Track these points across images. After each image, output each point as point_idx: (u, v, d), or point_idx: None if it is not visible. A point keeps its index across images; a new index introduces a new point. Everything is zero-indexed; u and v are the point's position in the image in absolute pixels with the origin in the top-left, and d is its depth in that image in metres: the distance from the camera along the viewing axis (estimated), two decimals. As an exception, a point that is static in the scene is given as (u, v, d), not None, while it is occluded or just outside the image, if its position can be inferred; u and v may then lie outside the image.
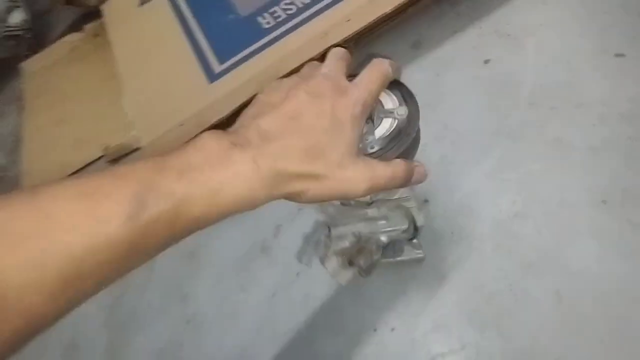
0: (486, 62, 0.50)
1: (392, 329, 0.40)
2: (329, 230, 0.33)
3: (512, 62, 0.49)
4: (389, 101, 0.28)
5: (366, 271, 0.36)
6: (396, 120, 0.27)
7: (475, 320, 0.38)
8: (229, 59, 0.51)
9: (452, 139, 0.47)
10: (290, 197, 0.22)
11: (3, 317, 0.15)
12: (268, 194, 0.21)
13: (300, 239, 0.45)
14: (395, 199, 0.34)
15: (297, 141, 0.21)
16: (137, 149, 0.51)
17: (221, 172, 0.20)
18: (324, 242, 0.33)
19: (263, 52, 0.51)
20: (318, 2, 0.51)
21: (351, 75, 0.27)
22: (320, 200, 0.22)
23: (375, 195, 0.33)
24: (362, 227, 0.35)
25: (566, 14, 0.50)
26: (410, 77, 0.30)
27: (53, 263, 0.16)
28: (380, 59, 0.26)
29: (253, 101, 0.25)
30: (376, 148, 0.26)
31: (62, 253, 0.16)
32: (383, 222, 0.35)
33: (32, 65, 0.69)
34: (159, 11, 0.60)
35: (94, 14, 0.69)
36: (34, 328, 0.17)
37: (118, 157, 0.52)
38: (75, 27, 0.71)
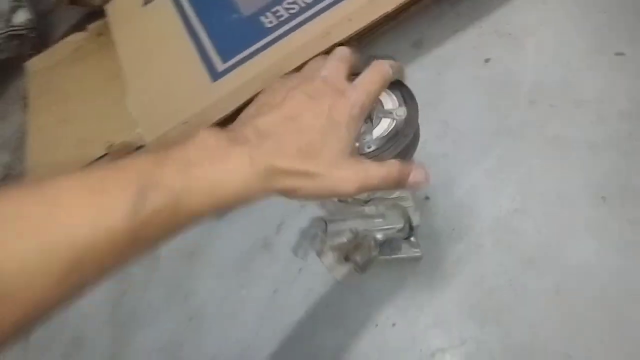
0: (486, 61, 0.51)
1: (393, 324, 0.41)
2: (326, 226, 0.34)
3: (512, 61, 0.50)
4: (389, 101, 0.29)
5: (362, 267, 0.37)
6: (394, 121, 0.27)
7: (476, 316, 0.39)
8: (231, 57, 0.52)
9: (453, 137, 0.47)
10: (284, 193, 0.22)
11: (13, 301, 0.16)
12: (263, 189, 0.21)
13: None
14: (393, 198, 0.34)
15: (292, 140, 0.22)
16: (140, 147, 0.51)
17: (219, 167, 0.20)
18: (320, 237, 0.34)
19: (265, 51, 0.51)
20: (320, 2, 0.52)
21: (355, 74, 0.27)
22: (312, 198, 0.23)
23: (373, 194, 0.33)
24: (358, 224, 0.35)
25: (565, 13, 0.51)
26: (412, 76, 0.30)
27: (59, 251, 0.17)
28: (381, 60, 0.27)
29: (254, 101, 0.26)
30: (373, 148, 0.27)
31: (67, 242, 0.17)
32: (379, 220, 0.35)
33: (36, 65, 0.69)
34: (162, 11, 0.61)
35: (97, 13, 0.70)
36: (41, 312, 0.17)
37: (122, 155, 0.53)
38: (79, 26, 0.72)
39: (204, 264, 0.50)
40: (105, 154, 0.53)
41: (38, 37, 0.76)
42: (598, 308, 0.36)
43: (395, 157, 0.26)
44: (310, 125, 0.23)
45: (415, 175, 0.25)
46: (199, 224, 0.21)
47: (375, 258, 0.37)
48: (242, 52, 0.52)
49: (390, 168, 0.24)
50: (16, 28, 0.73)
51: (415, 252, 0.40)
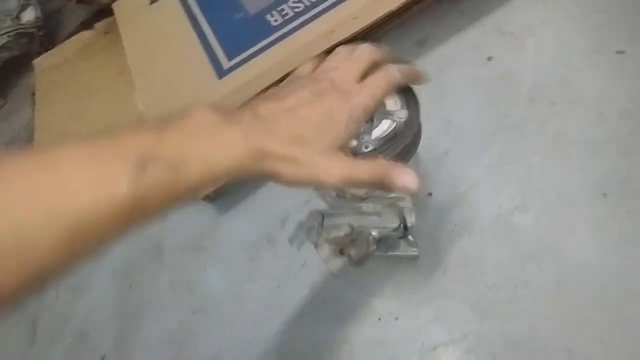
0: (489, 59, 0.51)
1: (396, 318, 0.41)
2: (323, 219, 0.35)
3: (514, 59, 0.50)
4: (391, 103, 0.29)
5: (356, 262, 0.37)
6: (394, 123, 0.28)
7: (477, 311, 0.39)
8: (237, 55, 0.53)
9: (455, 134, 0.48)
10: (270, 176, 0.23)
11: (20, 264, 0.17)
12: (252, 169, 0.22)
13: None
14: (391, 197, 0.34)
15: (285, 127, 0.23)
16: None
17: (214, 142, 0.21)
18: (317, 229, 0.34)
19: (271, 49, 0.52)
20: (325, 0, 0.52)
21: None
22: (296, 185, 0.23)
23: (371, 191, 0.33)
24: (354, 220, 0.35)
25: (566, 13, 0.51)
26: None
27: (62, 217, 0.17)
28: (391, 65, 0.27)
29: (264, 94, 0.27)
30: (370, 148, 0.27)
31: (71, 208, 0.17)
32: (375, 217, 0.36)
33: (44, 62, 0.70)
34: (168, 9, 0.62)
35: (105, 12, 0.71)
36: (43, 277, 0.18)
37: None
38: (87, 25, 0.73)
39: (208, 258, 0.51)
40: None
41: (46, 35, 0.77)
42: (598, 305, 0.36)
43: (393, 158, 0.26)
44: (307, 117, 0.24)
45: (403, 179, 0.24)
46: (195, 197, 0.22)
47: (372, 254, 0.38)
48: (247, 50, 0.53)
49: (376, 166, 0.24)
50: (24, 26, 0.74)
51: (413, 251, 0.41)
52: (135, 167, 0.18)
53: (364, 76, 0.26)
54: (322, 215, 0.34)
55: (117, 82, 0.63)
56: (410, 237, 0.40)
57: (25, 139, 0.70)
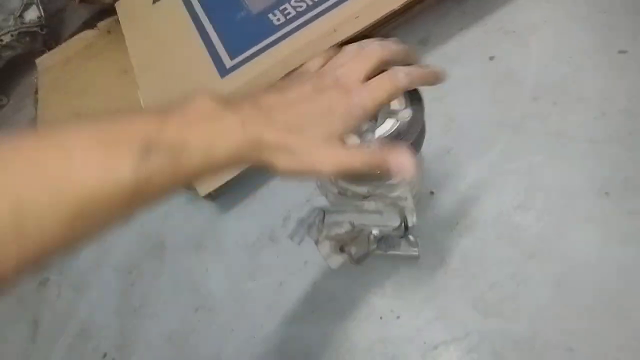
0: (491, 58, 0.51)
1: (397, 317, 0.41)
2: (324, 215, 0.35)
3: (516, 58, 0.50)
4: (395, 102, 0.29)
5: (356, 260, 0.37)
6: (398, 122, 0.28)
7: (479, 309, 0.39)
8: (240, 54, 0.53)
9: (458, 132, 0.48)
10: (266, 165, 0.23)
11: (23, 241, 0.17)
12: (249, 158, 0.23)
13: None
14: (393, 196, 0.34)
15: (283, 117, 0.23)
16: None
17: (215, 130, 0.21)
18: (317, 225, 0.34)
19: (273, 48, 0.52)
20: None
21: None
22: (291, 173, 0.24)
23: (374, 190, 0.33)
24: (355, 218, 0.35)
25: (569, 11, 0.51)
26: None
27: (67, 197, 0.17)
28: (399, 68, 0.26)
29: (269, 87, 0.27)
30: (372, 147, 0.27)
31: (76, 189, 0.18)
32: (376, 216, 0.36)
33: (47, 61, 0.71)
34: (171, 8, 0.62)
35: (107, 11, 0.71)
36: (48, 254, 0.18)
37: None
38: (89, 24, 0.73)
39: (210, 256, 0.51)
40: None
41: (49, 34, 0.77)
42: (600, 304, 0.36)
43: None
44: (305, 111, 0.24)
45: (398, 162, 0.24)
46: (194, 182, 0.22)
47: (372, 252, 0.38)
48: (250, 49, 0.53)
49: (371, 152, 0.25)
50: (27, 25, 0.74)
51: (413, 251, 0.41)
52: (139, 152, 0.19)
53: (372, 75, 0.26)
54: (324, 212, 0.34)
55: (120, 81, 0.63)
56: (410, 237, 0.40)
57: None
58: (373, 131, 0.28)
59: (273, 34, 0.53)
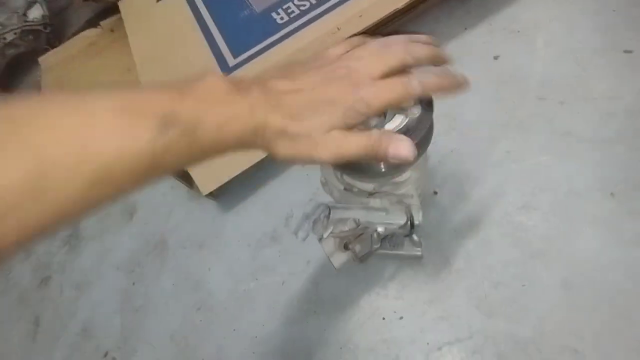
0: (496, 57, 0.51)
1: (401, 318, 0.41)
2: (329, 212, 0.34)
3: (521, 57, 0.50)
4: None
5: (360, 258, 0.37)
6: (407, 119, 0.28)
7: (483, 309, 0.39)
8: (243, 52, 0.53)
9: (462, 131, 0.47)
10: (268, 148, 0.24)
11: (43, 203, 0.17)
12: (254, 140, 0.23)
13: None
14: (399, 194, 0.34)
15: (287, 103, 0.24)
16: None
17: (226, 113, 0.22)
18: (323, 222, 0.34)
19: (276, 46, 0.52)
20: (331, -2, 0.52)
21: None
22: (290, 159, 0.24)
23: (380, 187, 0.33)
24: (361, 215, 0.35)
25: (574, 10, 0.51)
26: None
27: (87, 162, 0.18)
28: (416, 74, 0.26)
29: (284, 64, 0.27)
30: None
31: (98, 154, 0.18)
32: (382, 214, 0.35)
33: (50, 59, 0.71)
34: (174, 7, 0.62)
35: (110, 10, 0.71)
36: (65, 218, 0.18)
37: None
38: (93, 23, 0.73)
39: (212, 255, 0.50)
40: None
41: (52, 33, 0.77)
42: (606, 304, 0.36)
43: None
44: (310, 98, 0.24)
45: (397, 147, 0.24)
46: (204, 161, 0.22)
47: (376, 251, 0.38)
48: (253, 47, 0.53)
49: (368, 137, 0.25)
50: (31, 23, 0.74)
51: (417, 251, 0.41)
52: (157, 125, 0.19)
53: (389, 75, 0.26)
54: (329, 208, 0.34)
55: (123, 79, 0.63)
56: (414, 237, 0.40)
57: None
58: (382, 126, 0.28)
59: (276, 32, 0.53)
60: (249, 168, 0.47)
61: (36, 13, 0.75)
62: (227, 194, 0.52)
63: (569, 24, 0.51)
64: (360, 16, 0.49)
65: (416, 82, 0.25)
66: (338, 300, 0.43)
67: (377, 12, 0.49)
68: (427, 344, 0.39)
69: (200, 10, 0.59)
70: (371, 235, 0.37)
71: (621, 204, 0.39)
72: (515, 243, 0.40)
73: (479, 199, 0.43)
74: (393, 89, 0.25)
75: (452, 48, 0.53)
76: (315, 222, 0.33)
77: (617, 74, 0.46)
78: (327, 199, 0.38)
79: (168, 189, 0.57)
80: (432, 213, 0.44)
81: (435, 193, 0.45)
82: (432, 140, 0.31)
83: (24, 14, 0.74)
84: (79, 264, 0.56)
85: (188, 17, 0.59)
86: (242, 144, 0.23)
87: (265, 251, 0.48)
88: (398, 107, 0.28)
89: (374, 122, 0.27)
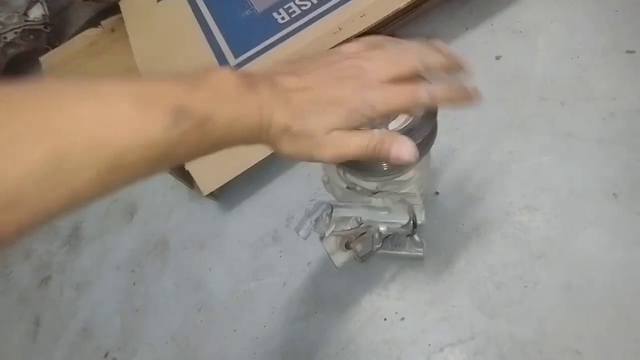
0: (497, 58, 0.51)
1: (402, 319, 0.41)
2: (332, 210, 0.34)
3: (523, 58, 0.50)
4: None
5: (362, 257, 0.37)
6: (411, 118, 0.28)
7: (485, 311, 0.39)
8: (244, 52, 0.53)
9: (464, 132, 0.47)
10: (271, 145, 0.25)
11: (58, 187, 0.17)
12: (259, 136, 0.24)
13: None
14: (401, 193, 0.34)
15: (294, 100, 0.24)
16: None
17: (236, 109, 0.22)
18: (325, 220, 0.34)
19: (277, 46, 0.52)
20: (332, -2, 0.52)
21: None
22: (292, 157, 0.25)
23: (382, 186, 0.33)
24: (363, 214, 0.35)
25: (576, 11, 0.51)
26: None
27: (105, 149, 0.18)
28: (428, 86, 0.25)
29: (297, 56, 0.27)
30: None
31: (114, 142, 0.18)
32: (385, 213, 0.35)
33: (51, 59, 0.71)
34: (175, 7, 0.62)
35: (111, 10, 0.71)
36: (77, 203, 0.18)
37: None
38: (93, 22, 0.73)
39: (213, 255, 0.50)
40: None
41: (53, 33, 0.77)
42: (608, 306, 0.36)
43: None
44: (316, 96, 0.24)
45: (399, 149, 0.24)
46: (210, 154, 0.22)
47: (377, 251, 0.38)
48: (254, 47, 0.53)
49: (370, 138, 0.25)
50: (32, 23, 0.74)
51: (418, 252, 0.40)
52: (171, 116, 0.19)
53: (399, 80, 0.25)
54: (332, 206, 0.34)
55: (123, 79, 0.62)
56: (416, 237, 0.40)
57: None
58: (386, 125, 0.28)
59: (277, 32, 0.53)
60: (249, 168, 0.47)
61: (37, 12, 0.75)
62: (228, 194, 0.52)
63: (571, 24, 0.50)
64: (362, 16, 0.49)
65: (424, 92, 0.25)
66: (339, 300, 0.43)
67: (378, 12, 0.49)
68: (429, 345, 0.39)
69: (201, 9, 0.59)
70: (372, 235, 0.37)
71: (623, 204, 0.39)
72: (517, 244, 0.40)
73: (481, 199, 0.43)
74: (400, 96, 0.25)
75: (454, 48, 0.52)
76: (317, 220, 0.33)
77: (619, 74, 0.46)
78: (327, 199, 0.38)
79: (168, 189, 0.57)
80: (434, 213, 0.44)
81: (437, 193, 0.45)
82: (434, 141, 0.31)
83: (25, 14, 0.74)
84: (79, 264, 0.56)
85: (189, 17, 0.59)
86: (249, 139, 0.23)
87: (266, 251, 0.48)
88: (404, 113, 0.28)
89: (378, 119, 0.27)
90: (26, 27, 0.73)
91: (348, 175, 0.33)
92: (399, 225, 0.34)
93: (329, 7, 0.52)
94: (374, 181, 0.32)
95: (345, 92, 0.24)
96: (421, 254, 0.40)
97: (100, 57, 0.68)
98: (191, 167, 0.47)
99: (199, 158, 0.22)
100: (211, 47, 0.55)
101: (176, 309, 0.48)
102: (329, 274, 0.44)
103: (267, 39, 0.53)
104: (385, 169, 0.29)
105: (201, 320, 0.47)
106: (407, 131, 0.27)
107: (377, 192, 0.33)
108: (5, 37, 0.72)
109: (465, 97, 0.27)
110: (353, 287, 0.43)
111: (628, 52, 0.47)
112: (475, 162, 0.45)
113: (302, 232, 0.33)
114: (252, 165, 0.47)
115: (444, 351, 0.38)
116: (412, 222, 0.34)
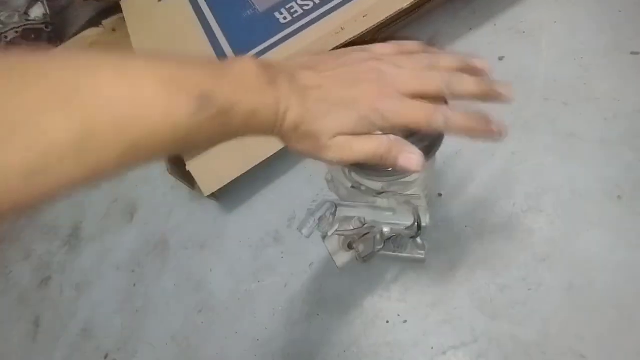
0: (501, 58, 0.51)
1: (405, 321, 0.40)
2: (335, 210, 0.34)
3: (526, 58, 0.49)
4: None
5: (364, 258, 0.37)
6: None
7: (488, 313, 0.38)
8: (245, 52, 0.52)
9: (466, 133, 0.47)
10: (282, 139, 0.25)
11: (81, 163, 0.17)
12: (273, 129, 0.24)
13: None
14: (406, 194, 0.34)
15: (310, 98, 0.24)
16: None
17: (256, 98, 0.22)
18: (328, 219, 0.34)
19: (279, 46, 0.52)
20: (335, -2, 0.52)
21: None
22: (300, 154, 0.25)
23: (388, 187, 0.33)
24: (367, 214, 0.35)
25: (580, 11, 0.51)
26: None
27: (131, 129, 0.18)
28: (446, 110, 0.24)
29: (322, 51, 0.27)
30: None
31: (139, 123, 0.18)
32: (389, 214, 0.35)
33: (51, 59, 0.70)
34: (177, 6, 0.61)
35: (112, 9, 0.71)
36: (96, 178, 0.18)
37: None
38: (94, 22, 0.73)
39: (214, 255, 0.50)
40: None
41: (54, 32, 0.77)
42: (612, 308, 0.36)
43: None
44: (330, 97, 0.24)
45: (406, 159, 0.24)
46: (226, 142, 0.22)
47: (379, 252, 0.37)
48: (256, 47, 0.52)
49: (378, 145, 0.24)
50: (32, 22, 0.74)
51: (420, 254, 0.40)
52: (195, 102, 0.20)
53: (419, 96, 0.25)
54: (335, 205, 0.33)
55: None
56: (419, 240, 0.39)
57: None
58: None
59: (279, 32, 0.53)
60: (251, 168, 0.47)
61: (38, 12, 0.75)
62: (229, 194, 0.52)
63: (574, 25, 0.50)
64: (364, 16, 0.49)
65: (441, 117, 0.24)
66: (341, 302, 0.43)
67: (381, 12, 0.48)
68: (432, 348, 0.38)
69: (203, 9, 0.59)
70: (374, 236, 0.37)
71: (626, 205, 0.39)
72: (520, 246, 0.40)
73: (484, 201, 0.43)
74: (415, 113, 0.24)
75: (457, 48, 0.53)
76: (320, 219, 0.33)
77: (622, 75, 0.46)
78: (330, 198, 0.38)
79: (168, 189, 0.57)
80: (436, 215, 0.43)
81: (440, 195, 0.45)
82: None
83: (26, 13, 0.73)
84: (79, 264, 0.55)
85: (190, 17, 0.59)
86: (263, 131, 0.23)
87: (268, 252, 0.48)
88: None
89: (387, 130, 0.26)
90: (27, 27, 0.73)
91: (353, 174, 0.33)
92: (403, 227, 0.34)
93: (332, 7, 0.52)
94: (380, 181, 0.32)
95: (360, 95, 0.24)
96: (423, 256, 0.40)
97: (101, 57, 0.68)
98: (192, 167, 0.47)
99: (214, 146, 0.22)
100: (212, 46, 0.55)
101: (176, 310, 0.48)
102: (331, 275, 0.44)
103: (269, 39, 0.53)
104: (390, 169, 0.29)
105: (202, 321, 0.46)
106: (413, 133, 0.27)
107: (382, 193, 0.33)
108: (6, 37, 0.72)
109: (487, 131, 0.25)
110: (355, 288, 0.43)
111: (632, 53, 0.46)
112: (478, 164, 0.45)
113: (305, 231, 0.33)
114: (253, 165, 0.47)
115: (446, 354, 0.38)
116: (416, 224, 0.33)
